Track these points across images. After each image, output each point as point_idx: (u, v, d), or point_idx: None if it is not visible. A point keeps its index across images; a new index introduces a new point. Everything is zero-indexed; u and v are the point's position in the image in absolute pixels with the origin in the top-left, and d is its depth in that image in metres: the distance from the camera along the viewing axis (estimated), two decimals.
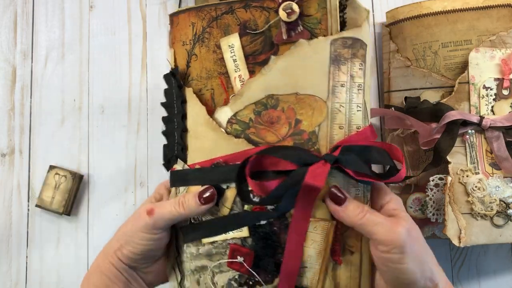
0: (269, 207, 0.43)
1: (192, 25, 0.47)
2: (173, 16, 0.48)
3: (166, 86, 0.47)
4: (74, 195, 0.62)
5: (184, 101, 0.46)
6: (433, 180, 0.54)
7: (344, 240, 0.43)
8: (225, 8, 0.46)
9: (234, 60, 0.46)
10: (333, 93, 0.43)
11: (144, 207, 0.44)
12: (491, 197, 0.52)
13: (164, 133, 0.47)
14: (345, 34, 0.43)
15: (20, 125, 0.64)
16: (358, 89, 0.43)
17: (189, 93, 0.46)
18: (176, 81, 0.46)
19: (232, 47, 0.46)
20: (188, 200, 0.43)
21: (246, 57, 0.46)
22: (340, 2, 0.44)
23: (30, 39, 0.66)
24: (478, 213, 0.52)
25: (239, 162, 0.43)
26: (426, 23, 0.55)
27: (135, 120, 0.64)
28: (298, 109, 0.44)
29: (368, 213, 0.39)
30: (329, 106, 0.43)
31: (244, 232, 0.44)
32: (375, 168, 0.60)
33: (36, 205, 0.62)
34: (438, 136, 0.53)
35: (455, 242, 0.52)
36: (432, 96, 0.55)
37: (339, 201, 0.40)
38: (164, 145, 0.47)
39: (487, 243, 0.53)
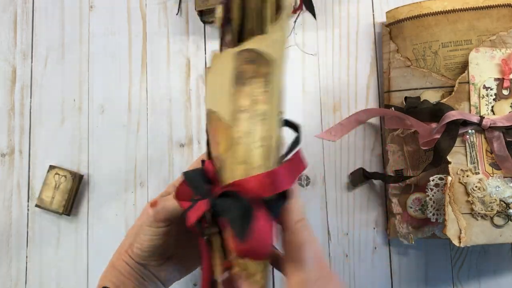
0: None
1: None
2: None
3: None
4: (74, 195, 0.62)
5: None
6: (433, 180, 0.54)
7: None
8: None
9: None
10: (234, 120, 0.33)
11: (148, 202, 0.44)
12: (491, 197, 0.52)
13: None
14: (249, 45, 0.34)
15: (20, 125, 0.64)
16: (262, 119, 0.33)
17: None
18: None
19: None
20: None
21: None
22: None
23: (30, 39, 0.66)
24: (478, 213, 0.52)
25: None
26: (426, 23, 0.55)
27: (135, 120, 0.64)
28: (219, 131, 0.35)
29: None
30: (231, 135, 0.34)
31: None
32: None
33: (36, 205, 0.61)
34: (438, 136, 0.53)
35: (455, 242, 0.52)
36: (432, 96, 0.55)
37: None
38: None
39: (487, 243, 0.53)
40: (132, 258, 0.44)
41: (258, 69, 0.33)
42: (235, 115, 0.33)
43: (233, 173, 0.33)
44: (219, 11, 0.35)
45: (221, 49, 0.36)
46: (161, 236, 0.43)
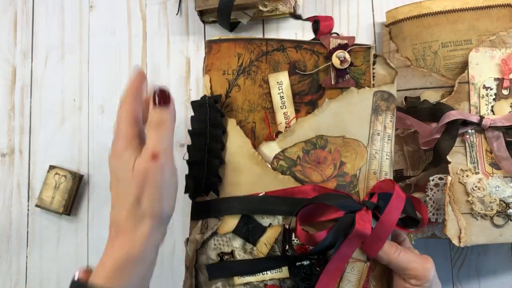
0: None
1: (238, 56, 0.47)
2: (212, 43, 0.47)
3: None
4: (74, 195, 0.62)
5: (224, 131, 0.45)
6: (433, 180, 0.54)
7: (370, 281, 0.45)
8: (276, 45, 0.47)
9: (281, 97, 0.47)
10: (371, 140, 0.46)
11: None
12: (491, 197, 0.52)
13: (188, 162, 0.45)
14: (384, 88, 0.47)
15: (20, 125, 0.65)
16: (388, 139, 0.47)
17: (231, 123, 0.45)
18: (217, 109, 0.45)
19: (280, 84, 0.47)
20: (160, 116, 0.40)
21: (293, 95, 0.47)
22: None
23: (30, 39, 0.66)
24: (478, 213, 0.52)
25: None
26: (426, 23, 0.55)
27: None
28: (344, 151, 0.46)
29: (402, 251, 0.43)
30: (368, 151, 0.46)
31: (284, 272, 0.43)
32: None
33: (36, 205, 0.62)
34: (438, 136, 0.53)
35: (455, 242, 0.52)
36: (432, 96, 0.55)
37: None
38: (187, 175, 0.45)
39: (487, 243, 0.53)
40: None
41: (389, 105, 0.47)
42: (373, 136, 0.46)
43: (368, 182, 0.46)
44: (347, 56, 0.46)
45: (336, 83, 0.47)
46: None
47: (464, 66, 0.54)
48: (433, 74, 0.55)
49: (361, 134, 0.46)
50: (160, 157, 0.39)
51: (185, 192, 0.45)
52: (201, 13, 0.62)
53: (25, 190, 0.63)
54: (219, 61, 0.47)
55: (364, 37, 0.64)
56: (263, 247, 0.44)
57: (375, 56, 0.48)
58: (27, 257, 0.63)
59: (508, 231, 0.53)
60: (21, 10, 0.66)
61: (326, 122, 0.46)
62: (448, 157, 0.52)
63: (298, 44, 0.47)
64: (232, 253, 0.44)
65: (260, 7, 0.60)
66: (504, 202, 0.52)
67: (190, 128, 0.45)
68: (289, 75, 0.47)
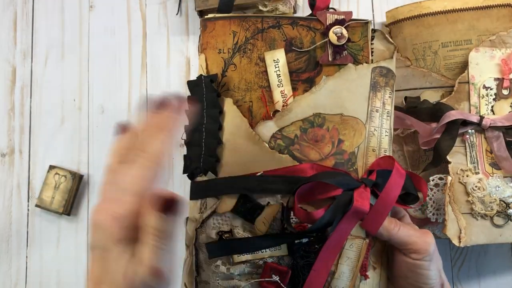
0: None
1: (233, 34, 0.46)
2: (206, 21, 0.46)
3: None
4: (74, 195, 0.62)
5: (221, 111, 0.45)
6: (433, 180, 0.54)
7: (370, 257, 0.45)
8: (272, 22, 0.46)
9: (278, 75, 0.46)
10: (370, 117, 0.45)
11: None
12: (491, 197, 0.52)
13: (186, 143, 0.45)
14: (382, 63, 0.46)
15: (20, 125, 0.65)
16: (387, 116, 0.46)
17: (228, 103, 0.45)
18: (213, 89, 0.44)
19: (277, 62, 0.46)
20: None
21: (290, 73, 0.46)
22: None
23: (30, 39, 0.66)
24: (478, 213, 0.52)
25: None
26: (426, 23, 0.55)
27: (135, 120, 0.64)
28: (342, 129, 0.45)
29: (401, 226, 0.43)
30: (367, 128, 0.45)
31: (283, 250, 0.43)
32: None
33: (36, 205, 0.62)
34: (438, 136, 0.53)
35: (455, 242, 0.52)
36: (432, 96, 0.55)
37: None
38: (185, 156, 0.45)
39: (487, 243, 0.53)
40: None
41: (388, 81, 0.46)
42: (371, 113, 0.45)
43: (367, 159, 0.45)
44: (344, 32, 0.45)
45: (334, 59, 0.46)
46: None
47: (464, 66, 0.54)
48: (433, 74, 0.55)
49: (359, 111, 0.45)
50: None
51: (184, 172, 0.45)
52: (201, 13, 0.62)
53: (25, 190, 0.63)
54: (214, 39, 0.46)
55: None
56: (261, 225, 0.43)
57: (374, 31, 0.47)
58: (27, 257, 0.63)
59: (508, 231, 0.53)
60: (21, 10, 0.66)
61: (324, 100, 0.45)
62: (448, 157, 0.52)
63: (294, 21, 0.46)
64: (231, 231, 0.44)
65: (260, 7, 0.60)
66: (504, 202, 0.52)
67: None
68: (286, 53, 0.46)
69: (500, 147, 0.52)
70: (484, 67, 0.53)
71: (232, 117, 0.44)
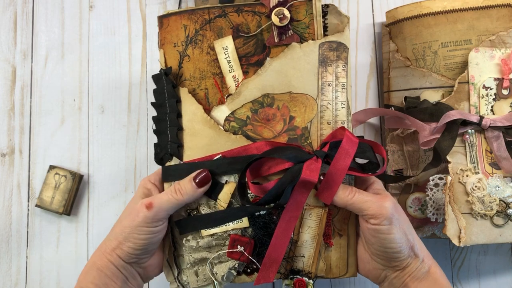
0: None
1: (184, 27, 0.49)
2: (162, 18, 0.49)
3: (155, 86, 0.49)
4: (74, 195, 0.62)
5: (178, 101, 0.48)
6: (433, 180, 0.54)
7: (334, 225, 0.48)
8: (218, 11, 0.49)
9: (228, 61, 0.48)
10: (321, 91, 0.47)
11: (141, 203, 0.44)
12: (491, 197, 0.52)
13: (155, 132, 0.49)
14: (331, 38, 0.47)
15: (20, 125, 0.65)
16: (342, 88, 0.48)
17: (184, 92, 0.48)
18: (169, 81, 0.48)
19: (226, 49, 0.48)
20: (184, 186, 0.45)
21: (240, 58, 0.48)
22: (321, 8, 0.48)
23: (30, 39, 0.66)
24: (478, 213, 0.52)
25: (236, 155, 0.46)
26: (425, 23, 0.56)
27: (135, 120, 0.64)
28: (292, 106, 0.47)
29: (356, 193, 0.44)
30: (318, 103, 0.47)
31: (244, 222, 0.47)
32: None
33: (36, 205, 0.62)
34: (437, 136, 0.53)
35: (455, 241, 0.52)
36: (432, 96, 0.55)
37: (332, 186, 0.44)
38: (155, 144, 0.49)
39: (487, 243, 0.53)
40: (120, 258, 0.44)
41: (340, 54, 0.47)
42: (322, 88, 0.47)
43: (322, 132, 0.47)
44: (286, 13, 0.47)
45: (280, 40, 0.48)
46: (156, 234, 0.45)
47: (464, 66, 0.54)
48: (433, 74, 0.55)
49: (308, 87, 0.47)
50: (151, 209, 0.44)
51: (155, 159, 0.49)
52: None
53: (25, 190, 0.63)
54: (170, 34, 0.49)
55: (364, 37, 0.64)
56: (223, 201, 0.47)
57: (326, 6, 0.49)
58: (27, 256, 0.63)
59: (508, 231, 0.53)
60: (21, 10, 0.66)
61: (271, 80, 0.48)
62: (448, 157, 0.53)
63: (239, 8, 0.48)
64: (197, 208, 0.47)
65: None
66: (504, 202, 0.52)
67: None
68: (234, 39, 0.48)
69: (500, 147, 0.52)
70: (484, 67, 0.53)
71: (188, 105, 0.48)
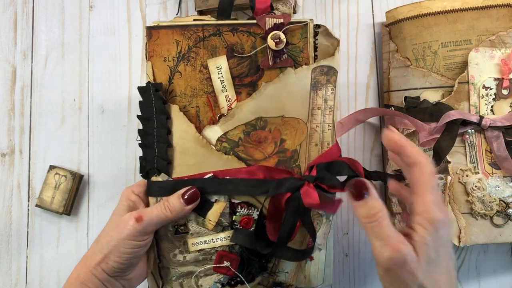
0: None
1: (176, 43, 0.48)
2: (151, 30, 0.48)
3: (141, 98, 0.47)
4: (74, 195, 0.62)
5: (168, 117, 0.47)
6: None
7: (315, 241, 0.49)
8: (212, 30, 0.48)
9: (221, 81, 0.48)
10: (312, 115, 0.48)
11: (130, 214, 0.44)
12: (491, 197, 0.52)
13: (141, 145, 0.48)
14: (323, 62, 0.48)
15: (20, 125, 0.65)
16: (330, 111, 0.48)
17: (175, 110, 0.47)
18: (159, 97, 0.47)
19: (219, 68, 0.48)
20: (172, 202, 0.45)
21: (233, 78, 0.48)
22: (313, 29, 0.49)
23: (30, 39, 0.66)
24: (478, 213, 0.52)
25: (228, 177, 0.47)
26: (425, 23, 0.56)
27: (135, 120, 0.64)
28: (283, 130, 0.48)
29: (377, 222, 0.38)
30: (308, 127, 0.48)
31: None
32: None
33: (36, 205, 0.62)
34: (437, 135, 0.53)
35: (455, 241, 0.52)
36: (431, 96, 0.55)
37: (358, 197, 0.39)
38: (141, 157, 0.48)
39: (487, 243, 0.53)
40: (105, 272, 0.44)
41: (330, 78, 0.48)
42: (313, 111, 0.48)
43: (310, 154, 0.48)
44: (282, 37, 0.47)
45: (274, 63, 0.48)
46: (142, 248, 0.45)
47: (464, 66, 0.54)
48: (433, 74, 0.55)
49: (300, 111, 0.48)
50: (141, 223, 0.44)
51: (140, 172, 0.49)
52: (201, 13, 0.62)
53: (25, 190, 0.63)
54: (160, 47, 0.48)
55: (364, 37, 0.64)
56: (212, 220, 0.47)
57: (318, 26, 0.49)
58: (27, 256, 0.63)
59: (508, 231, 0.53)
60: (21, 10, 0.66)
61: (265, 105, 0.48)
62: (448, 157, 0.53)
63: (234, 27, 0.48)
64: (185, 224, 0.48)
65: None
66: (504, 202, 0.52)
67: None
68: (228, 59, 0.48)
69: (500, 147, 0.52)
70: (483, 67, 0.53)
71: (179, 123, 0.47)
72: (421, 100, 0.56)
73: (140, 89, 0.48)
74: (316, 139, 0.48)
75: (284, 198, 0.46)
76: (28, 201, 0.63)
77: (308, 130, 0.48)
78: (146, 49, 0.49)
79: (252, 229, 0.48)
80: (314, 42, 0.49)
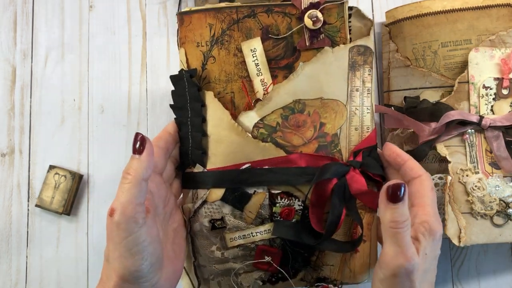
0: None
1: (209, 26, 0.46)
2: (183, 15, 0.46)
3: (170, 86, 0.46)
4: (74, 195, 0.62)
5: (203, 105, 0.45)
6: (432, 180, 0.54)
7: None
8: (247, 11, 0.46)
9: (256, 64, 0.46)
10: (350, 97, 0.46)
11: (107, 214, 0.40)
12: (491, 197, 0.52)
13: (180, 136, 0.47)
14: (359, 42, 0.46)
15: (20, 125, 0.65)
16: (368, 93, 0.46)
17: (209, 96, 0.45)
18: (194, 83, 0.45)
19: (254, 51, 0.46)
20: (129, 164, 0.39)
21: (268, 61, 0.46)
22: None
23: (30, 39, 0.66)
24: (478, 213, 0.52)
25: (267, 166, 0.44)
26: (425, 23, 0.56)
27: (135, 120, 0.64)
28: (323, 113, 0.46)
29: (401, 230, 0.38)
30: (348, 109, 0.46)
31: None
32: None
33: (36, 205, 0.62)
34: (437, 135, 0.53)
35: (455, 241, 0.52)
36: (431, 96, 0.55)
37: (393, 199, 0.39)
38: (180, 148, 0.46)
39: (487, 243, 0.53)
40: (128, 282, 0.38)
41: (367, 58, 0.46)
42: (351, 93, 0.46)
43: (350, 139, 0.46)
44: (320, 16, 0.45)
45: (311, 44, 0.46)
46: (145, 239, 0.39)
47: (464, 65, 0.54)
48: (433, 73, 0.55)
49: (339, 93, 0.46)
50: (115, 213, 0.38)
51: (179, 166, 0.47)
52: None
53: (25, 190, 0.63)
54: (192, 33, 0.46)
55: None
56: (250, 212, 0.45)
57: (351, 8, 0.47)
58: (27, 257, 0.63)
59: (508, 231, 0.53)
60: (21, 10, 0.66)
61: (302, 86, 0.45)
62: (448, 157, 0.53)
63: (269, 8, 0.46)
64: (222, 219, 0.45)
65: None
66: (504, 202, 0.52)
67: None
68: (262, 41, 0.46)
69: (500, 146, 0.52)
70: (483, 66, 0.53)
71: (214, 110, 0.45)
72: (421, 100, 0.56)
73: (173, 77, 0.46)
74: (355, 122, 0.46)
75: (331, 185, 0.44)
76: (28, 201, 0.63)
77: (347, 113, 0.46)
78: (177, 36, 0.47)
79: (294, 220, 0.45)
80: (348, 24, 0.47)
